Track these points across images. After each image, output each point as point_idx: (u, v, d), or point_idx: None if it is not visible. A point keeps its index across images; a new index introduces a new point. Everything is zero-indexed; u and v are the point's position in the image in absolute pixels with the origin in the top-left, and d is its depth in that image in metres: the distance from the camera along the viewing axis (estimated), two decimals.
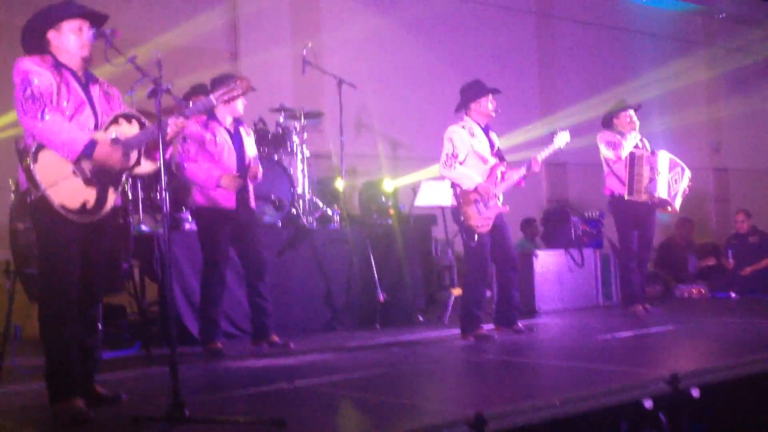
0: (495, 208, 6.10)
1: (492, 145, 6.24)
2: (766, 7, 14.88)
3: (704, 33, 14.92)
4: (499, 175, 6.15)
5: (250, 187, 5.93)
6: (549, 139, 11.84)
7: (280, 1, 10.08)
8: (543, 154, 6.32)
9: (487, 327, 6.21)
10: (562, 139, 6.42)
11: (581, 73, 12.85)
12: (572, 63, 12.83)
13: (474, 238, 6.00)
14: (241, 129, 5.98)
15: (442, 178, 6.47)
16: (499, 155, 6.26)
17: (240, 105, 5.86)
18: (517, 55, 12.14)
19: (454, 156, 6.05)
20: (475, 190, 6.02)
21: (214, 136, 5.76)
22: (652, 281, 9.26)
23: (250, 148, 5.99)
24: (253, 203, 5.98)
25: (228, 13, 9.69)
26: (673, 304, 8.70)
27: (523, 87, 12.17)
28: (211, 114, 5.76)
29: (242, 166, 5.84)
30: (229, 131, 5.86)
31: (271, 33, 9.89)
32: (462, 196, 6.05)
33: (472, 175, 6.05)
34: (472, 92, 6.20)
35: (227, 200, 5.75)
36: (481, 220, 6.02)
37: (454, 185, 6.14)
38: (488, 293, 6.86)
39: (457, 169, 6.05)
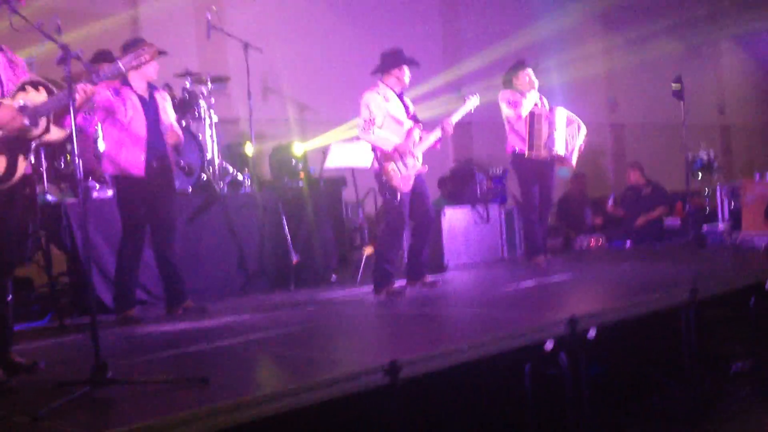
0: (414, 168, 6.34)
1: (407, 109, 6.46)
2: None
3: None
4: (416, 137, 6.38)
5: (168, 154, 5.92)
6: (453, 91, 12.19)
7: None
8: (455, 117, 6.61)
9: (399, 283, 6.44)
10: (473, 103, 6.74)
11: (483, 33, 13.08)
12: (474, 22, 13.03)
13: (397, 197, 6.21)
14: (157, 95, 5.95)
15: (356, 140, 6.66)
16: (414, 118, 6.49)
17: (152, 70, 5.82)
18: (420, 13, 12.27)
19: (372, 121, 6.25)
20: (394, 150, 6.23)
21: (124, 103, 5.72)
22: (553, 234, 9.67)
23: (166, 114, 5.98)
24: (171, 169, 5.98)
25: None
26: (573, 254, 9.14)
27: (427, 46, 12.33)
28: (123, 80, 5.73)
29: (155, 133, 5.82)
30: (142, 98, 5.83)
31: None
32: (383, 158, 6.25)
33: (389, 138, 6.27)
34: (390, 60, 6.43)
35: (136, 168, 5.73)
36: (402, 179, 6.24)
37: (374, 149, 6.34)
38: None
39: (376, 133, 6.26)
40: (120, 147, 5.72)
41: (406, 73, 6.45)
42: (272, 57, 10.05)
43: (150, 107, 5.84)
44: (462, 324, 5.01)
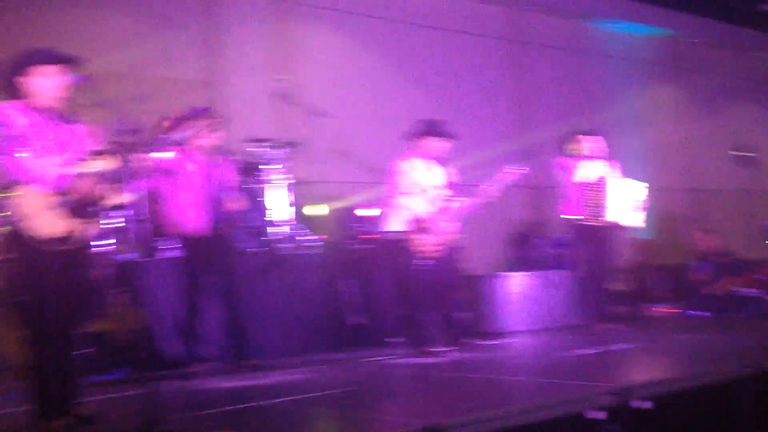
0: (441, 236, 6.48)
1: (440, 177, 6.64)
2: (731, 30, 15.31)
3: (672, 56, 15.31)
4: (444, 206, 6.56)
5: (229, 216, 6.20)
6: (523, 159, 12.24)
7: (257, 32, 10.35)
8: (491, 185, 6.69)
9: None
10: (519, 173, 6.89)
11: (554, 98, 13.17)
12: (544, 88, 13.14)
13: (418, 263, 6.44)
14: (221, 160, 6.25)
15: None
16: (447, 186, 6.66)
17: (216, 136, 6.12)
18: (491, 81, 12.45)
19: (399, 187, 6.51)
20: (416, 220, 6.42)
21: (185, 165, 6.02)
22: (621, 301, 9.54)
23: (227, 179, 6.24)
24: (227, 231, 6.22)
25: (207, 45, 9.96)
26: (640, 322, 8.95)
27: (497, 113, 12.49)
28: (188, 143, 6.06)
29: (217, 195, 6.10)
30: (207, 162, 6.13)
31: (248, 64, 10.16)
32: (410, 223, 6.47)
33: (412, 206, 6.45)
34: (421, 130, 6.62)
35: (197, 228, 6.02)
36: (426, 246, 6.42)
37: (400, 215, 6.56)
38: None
39: (400, 201, 6.49)
40: (182, 208, 6.02)
41: (438, 144, 6.60)
42: (342, 121, 10.35)
43: (213, 171, 6.12)
44: (506, 390, 4.99)
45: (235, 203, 6.21)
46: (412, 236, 6.46)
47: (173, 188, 6.07)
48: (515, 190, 12.16)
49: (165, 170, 6.03)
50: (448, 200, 6.60)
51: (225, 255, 6.19)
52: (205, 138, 6.04)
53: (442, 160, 6.77)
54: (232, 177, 6.33)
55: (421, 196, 6.53)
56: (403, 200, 6.48)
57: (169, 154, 5.97)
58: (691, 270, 10.32)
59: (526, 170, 6.91)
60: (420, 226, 6.46)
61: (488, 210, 6.85)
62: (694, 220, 14.88)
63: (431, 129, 6.62)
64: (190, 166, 6.06)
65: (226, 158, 6.40)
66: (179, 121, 6.19)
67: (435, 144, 6.60)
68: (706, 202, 15.32)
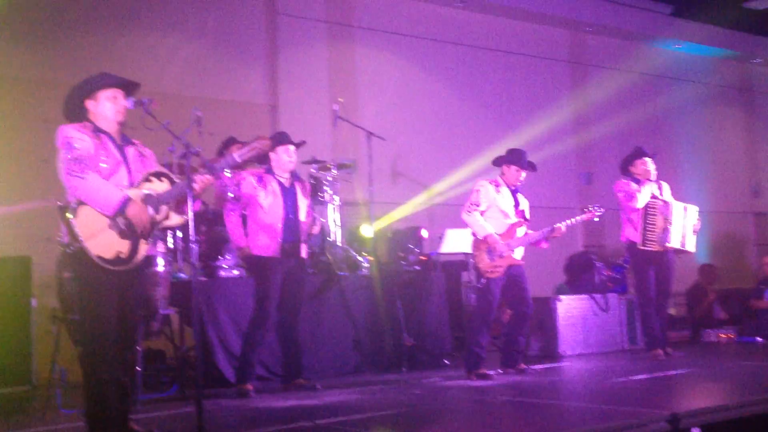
0: (508, 259, 6.58)
1: (517, 205, 6.74)
2: None
3: (740, 78, 15.05)
4: (518, 233, 6.65)
5: (303, 238, 6.35)
6: (584, 182, 12.14)
7: (318, 56, 10.55)
8: (568, 223, 6.79)
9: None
10: (594, 215, 6.99)
11: (616, 120, 13.06)
12: (607, 110, 13.04)
13: (480, 281, 6.58)
14: (297, 184, 6.41)
15: (464, 224, 6.89)
16: (522, 216, 6.75)
17: (287, 160, 6.29)
18: (552, 103, 12.41)
19: (476, 204, 6.64)
20: (484, 239, 6.53)
21: (265, 189, 6.21)
22: (681, 326, 9.37)
23: (303, 203, 6.40)
24: (304, 253, 6.37)
25: (267, 68, 10.19)
26: (698, 348, 8.79)
27: (559, 135, 12.42)
28: (268, 168, 6.29)
29: (292, 218, 6.26)
30: (282, 185, 6.29)
31: (309, 87, 10.36)
32: (476, 242, 6.64)
33: (486, 226, 6.58)
34: (510, 157, 6.79)
35: (272, 249, 6.17)
36: (491, 266, 6.55)
37: (472, 231, 6.69)
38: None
39: (475, 217, 6.59)
40: (259, 229, 6.20)
41: (522, 174, 6.75)
42: (401, 142, 10.47)
43: (289, 194, 6.29)
44: (556, 415, 4.96)
45: (314, 226, 6.36)
46: (479, 255, 6.57)
47: (252, 209, 6.23)
48: (573, 212, 12.10)
49: (246, 194, 6.22)
50: (520, 228, 6.70)
51: (295, 276, 6.30)
52: (283, 162, 6.24)
53: (519, 188, 6.90)
54: (308, 200, 6.47)
55: (497, 218, 6.65)
56: (479, 218, 6.59)
57: (250, 176, 6.20)
58: (754, 295, 10.08)
59: (602, 212, 6.92)
60: (490, 246, 6.54)
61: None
62: (760, 244, 14.55)
63: (516, 158, 6.76)
64: (267, 188, 6.22)
65: (303, 182, 6.55)
66: (235, 142, 6.36)
67: (516, 173, 6.75)
68: None
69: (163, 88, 8.76)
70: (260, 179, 6.25)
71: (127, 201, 4.18)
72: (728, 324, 9.83)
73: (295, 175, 6.44)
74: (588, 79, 12.99)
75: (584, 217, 6.95)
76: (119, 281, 4.24)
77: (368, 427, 4.68)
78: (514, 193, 6.79)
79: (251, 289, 6.44)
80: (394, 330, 7.51)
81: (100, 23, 9.00)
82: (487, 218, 6.64)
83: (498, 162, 6.86)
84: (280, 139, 6.34)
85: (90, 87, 4.36)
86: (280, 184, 6.29)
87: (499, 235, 6.60)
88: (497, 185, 6.73)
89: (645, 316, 7.56)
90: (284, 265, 6.21)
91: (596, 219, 6.97)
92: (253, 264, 6.34)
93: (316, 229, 6.43)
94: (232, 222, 6.31)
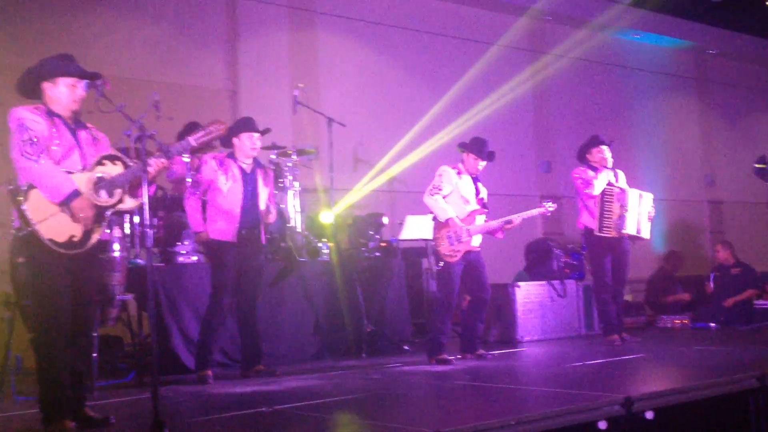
0: (466, 244, 6.64)
1: (477, 193, 6.81)
2: (755, 43, 15.22)
3: (696, 69, 15.27)
4: (478, 221, 6.71)
5: (261, 225, 6.32)
6: (543, 170, 12.26)
7: (279, 41, 10.48)
8: (523, 215, 6.87)
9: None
10: (548, 209, 7.04)
11: (575, 109, 13.19)
12: (566, 99, 13.17)
13: (439, 264, 6.68)
14: (259, 171, 6.36)
15: (424, 210, 6.93)
16: (482, 203, 6.80)
17: (249, 145, 6.24)
18: (511, 91, 12.47)
19: (438, 188, 6.70)
20: (446, 222, 6.60)
21: (225, 173, 6.17)
22: (636, 312, 9.53)
23: (264, 191, 6.35)
24: (263, 239, 6.34)
25: (228, 53, 10.09)
26: (653, 334, 8.94)
27: (518, 123, 12.52)
28: (230, 153, 6.27)
29: (251, 204, 6.22)
30: (244, 171, 6.25)
31: (270, 72, 10.28)
32: (437, 225, 6.71)
33: (447, 209, 6.65)
34: (469, 146, 6.85)
35: (229, 234, 6.13)
36: (450, 249, 6.62)
37: (433, 214, 6.76)
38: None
39: (438, 200, 6.64)
40: (217, 214, 6.16)
41: (481, 163, 6.83)
42: (363, 129, 10.45)
43: (249, 180, 6.25)
44: (514, 399, 5.03)
45: (267, 217, 6.32)
46: (440, 239, 6.63)
47: (211, 193, 6.19)
48: (532, 200, 12.21)
49: (205, 178, 6.18)
50: (480, 215, 6.76)
51: (252, 262, 6.27)
52: (244, 148, 6.20)
53: (478, 176, 6.97)
54: (266, 189, 6.43)
55: (457, 203, 6.71)
56: (441, 201, 6.65)
57: (211, 160, 6.16)
58: (707, 281, 10.28)
59: (555, 207, 7.03)
60: (450, 229, 6.59)
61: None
62: (715, 231, 14.82)
63: (475, 147, 6.82)
64: (229, 172, 6.18)
65: (265, 169, 6.50)
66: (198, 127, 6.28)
67: (474, 161, 6.83)
68: (726, 214, 15.25)
69: (122, 72, 8.64)
70: (221, 163, 6.22)
71: (74, 194, 4.15)
72: (683, 310, 9.98)
73: (257, 162, 6.41)
74: (547, 68, 13.07)
75: (537, 211, 7.02)
76: (72, 265, 4.20)
77: (327, 412, 4.69)
78: (474, 180, 6.87)
79: (210, 275, 6.40)
80: (355, 316, 7.53)
81: (55, 4, 8.84)
82: (448, 203, 6.71)
83: (462, 147, 6.92)
84: (245, 125, 6.31)
85: (52, 70, 4.30)
86: (241, 169, 6.26)
87: (461, 219, 6.67)
88: (459, 172, 6.80)
89: (601, 302, 7.67)
90: (241, 250, 6.18)
91: (548, 214, 7.07)
92: (209, 248, 6.31)
93: (271, 218, 6.37)
94: (191, 206, 6.27)
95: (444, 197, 6.69)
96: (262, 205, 6.30)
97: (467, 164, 6.84)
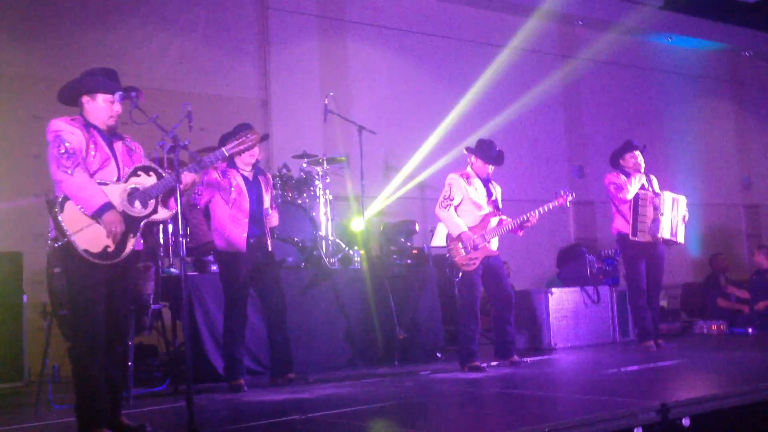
0: (484, 250, 6.62)
1: (489, 195, 6.76)
2: None
3: (731, 71, 15.09)
4: (492, 224, 6.67)
5: (268, 231, 6.31)
6: (576, 175, 12.17)
7: (310, 51, 10.55)
8: (540, 211, 6.76)
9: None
10: (566, 201, 6.86)
11: (608, 114, 13.10)
12: (598, 103, 13.09)
13: (458, 275, 6.64)
14: (260, 177, 6.37)
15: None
16: (495, 205, 6.77)
17: (253, 152, 6.22)
18: (543, 96, 12.42)
19: (450, 198, 6.69)
20: (458, 237, 6.60)
21: (230, 183, 6.17)
22: (672, 317, 9.42)
23: (267, 195, 6.37)
24: (270, 246, 6.34)
25: (259, 63, 10.18)
26: (690, 339, 8.83)
27: (550, 128, 12.47)
28: (230, 162, 6.20)
29: (257, 211, 6.23)
30: (246, 178, 6.26)
31: (301, 81, 10.35)
32: (449, 236, 6.72)
33: (459, 223, 6.63)
34: (477, 151, 6.80)
35: (238, 244, 6.14)
36: (467, 259, 6.59)
37: (446, 226, 6.76)
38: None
39: (449, 213, 6.66)
40: (225, 224, 6.15)
41: (489, 167, 6.79)
42: (393, 137, 10.47)
43: (253, 188, 6.26)
44: (547, 407, 4.99)
45: (274, 218, 6.31)
46: (456, 249, 6.60)
47: (216, 203, 6.20)
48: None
49: (210, 184, 6.19)
50: (494, 218, 6.71)
51: (268, 269, 6.29)
52: (247, 154, 6.18)
53: (492, 177, 6.93)
54: (270, 192, 6.45)
55: (470, 210, 6.68)
56: (453, 215, 6.63)
57: (213, 171, 6.16)
58: (745, 287, 10.12)
59: (573, 196, 6.91)
60: (465, 239, 6.57)
61: (538, 226, 6.91)
62: (751, 235, 14.61)
63: (482, 152, 6.78)
64: (233, 182, 6.20)
65: (265, 174, 6.53)
66: (224, 139, 6.32)
67: (483, 165, 6.78)
68: (763, 218, 15.03)
69: (154, 83, 8.75)
70: (224, 174, 6.21)
71: (106, 206, 4.20)
72: (720, 316, 9.81)
73: (257, 168, 6.40)
74: (579, 73, 13.00)
75: (556, 203, 6.85)
76: (108, 275, 4.25)
77: (360, 420, 4.68)
78: (485, 183, 6.80)
79: (222, 287, 6.36)
80: (386, 324, 7.53)
81: (90, 18, 8.98)
82: (461, 211, 6.68)
83: (468, 151, 6.86)
84: (242, 132, 6.24)
85: (92, 86, 4.37)
86: (244, 177, 6.26)
87: (474, 227, 6.64)
88: (468, 177, 6.74)
89: (636, 308, 7.59)
90: (251, 259, 6.19)
91: (567, 204, 6.88)
92: (219, 260, 6.30)
93: (274, 221, 6.33)
94: (196, 218, 6.30)
95: (456, 207, 6.67)
96: (266, 211, 6.29)
97: (476, 168, 6.79)
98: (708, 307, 10.16)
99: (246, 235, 6.15)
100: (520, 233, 6.89)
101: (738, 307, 9.93)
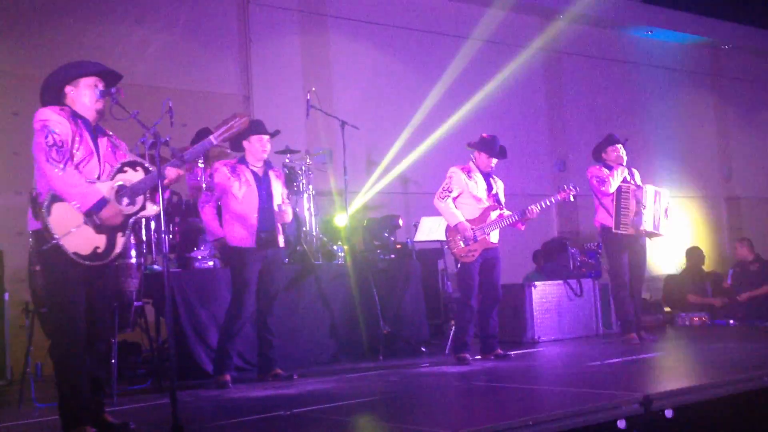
0: (483, 243, 6.68)
1: (490, 189, 6.83)
2: None
3: (711, 64, 15.18)
4: (492, 217, 6.74)
5: (279, 227, 6.31)
6: (558, 169, 12.21)
7: (291, 45, 10.51)
8: (542, 205, 6.87)
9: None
10: (568, 195, 6.97)
11: (589, 107, 13.16)
12: (580, 97, 13.14)
13: (456, 265, 6.74)
14: (271, 173, 6.36)
15: (438, 211, 6.94)
16: (496, 199, 6.83)
17: (259, 147, 6.23)
18: (525, 90, 12.46)
19: (448, 190, 6.76)
20: (455, 227, 6.65)
21: (239, 179, 6.16)
22: (654, 310, 9.48)
23: (278, 192, 6.36)
24: (281, 242, 6.34)
25: (241, 58, 10.14)
26: (672, 331, 8.90)
27: (532, 121, 12.50)
28: (241, 158, 6.24)
29: (267, 207, 6.22)
30: (256, 174, 6.25)
31: (283, 76, 10.32)
32: (449, 227, 6.80)
33: (456, 213, 6.71)
34: (481, 145, 6.88)
35: (248, 239, 6.13)
36: (466, 251, 6.67)
37: (445, 218, 6.83)
38: None
39: (447, 203, 6.72)
40: (234, 220, 6.15)
41: (493, 161, 6.88)
42: (376, 132, 10.46)
43: (263, 183, 6.25)
44: (532, 399, 5.02)
45: (281, 218, 6.29)
46: (455, 241, 6.67)
47: (226, 199, 6.18)
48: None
49: (219, 185, 6.17)
50: (494, 211, 6.78)
51: (271, 265, 6.28)
52: (256, 150, 6.20)
53: (492, 172, 6.99)
54: (280, 191, 6.43)
55: (469, 203, 6.75)
56: (451, 205, 6.71)
57: (222, 167, 6.15)
58: (726, 278, 10.21)
59: (577, 191, 6.97)
60: (461, 233, 6.63)
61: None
62: (731, 228, 14.72)
63: (487, 146, 6.85)
64: (242, 177, 6.19)
65: (277, 170, 6.51)
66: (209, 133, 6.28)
67: (487, 159, 6.86)
68: (743, 210, 15.14)
69: (135, 79, 8.68)
70: (233, 169, 6.20)
71: (103, 201, 4.16)
72: (701, 307, 9.87)
73: (268, 164, 6.40)
74: (561, 66, 13.05)
75: (559, 197, 6.95)
76: (87, 272, 4.20)
77: (346, 415, 4.69)
78: (486, 177, 6.88)
79: (227, 280, 6.42)
80: (371, 318, 7.53)
81: (71, 14, 8.91)
82: (460, 204, 6.76)
83: (472, 146, 6.94)
84: (255, 128, 6.27)
85: (72, 73, 4.30)
86: (254, 173, 6.25)
87: (473, 220, 6.72)
88: (469, 171, 6.83)
89: (619, 300, 7.63)
90: (261, 255, 6.18)
91: (572, 199, 6.96)
92: (230, 255, 6.26)
93: (287, 217, 6.31)
94: (207, 213, 6.26)
95: (455, 199, 6.74)
96: (277, 207, 6.29)
97: (479, 162, 6.87)
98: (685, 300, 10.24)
99: (256, 230, 6.14)
100: (522, 227, 6.95)
101: (709, 302, 9.99)
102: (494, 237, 6.77)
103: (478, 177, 6.84)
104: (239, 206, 6.14)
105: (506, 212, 6.85)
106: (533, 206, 6.78)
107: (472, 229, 6.67)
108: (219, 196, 6.24)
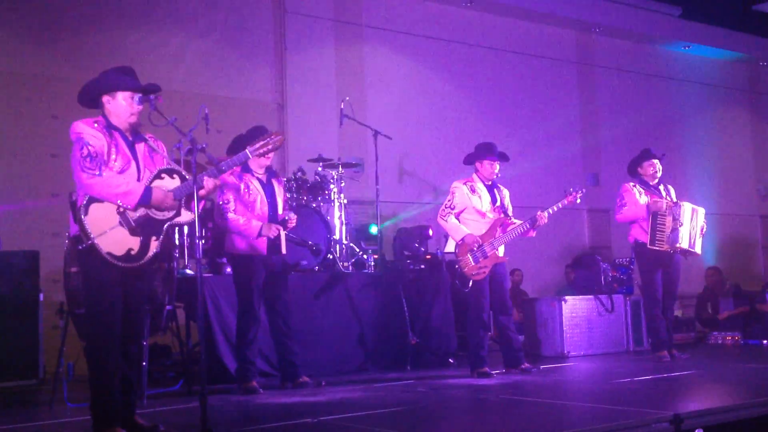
0: (493, 258, 6.61)
1: (494, 201, 6.74)
2: None
3: (748, 80, 15.03)
4: (500, 230, 6.64)
5: (282, 234, 6.33)
6: (591, 183, 12.15)
7: (326, 55, 10.59)
8: (550, 210, 6.75)
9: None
10: (576, 196, 6.86)
11: (624, 122, 13.06)
12: (614, 111, 13.06)
13: (467, 285, 6.59)
14: (274, 180, 6.39)
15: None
16: (503, 210, 6.75)
17: (270, 155, 6.24)
18: (559, 104, 12.43)
19: (451, 207, 6.70)
20: (462, 241, 6.58)
21: (248, 187, 6.19)
22: (686, 327, 9.37)
23: (280, 198, 6.39)
24: (284, 249, 6.36)
25: (276, 66, 10.23)
26: (704, 350, 8.78)
27: (566, 135, 12.44)
28: (244, 166, 6.19)
29: (272, 216, 6.25)
30: (261, 181, 6.28)
31: (317, 85, 10.39)
32: (458, 246, 6.65)
33: (461, 227, 6.63)
34: (480, 153, 6.80)
35: (260, 246, 6.15)
36: (476, 268, 6.58)
37: (450, 236, 6.77)
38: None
39: (449, 221, 6.66)
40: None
41: (496, 166, 6.75)
42: (409, 142, 10.49)
43: (268, 190, 6.29)
44: (558, 415, 4.97)
45: (292, 221, 6.30)
46: (465, 260, 6.59)
47: (237, 207, 6.20)
48: (579, 213, 12.11)
49: (228, 188, 6.19)
50: (502, 222, 6.70)
51: (279, 272, 6.30)
52: (263, 157, 6.17)
53: (500, 181, 6.90)
54: (284, 195, 6.47)
55: (474, 219, 6.68)
56: (453, 222, 6.65)
57: (229, 176, 6.16)
58: (760, 298, 10.06)
59: (584, 192, 6.88)
60: (469, 246, 6.57)
61: (552, 233, 6.90)
62: (767, 246, 14.53)
63: (487, 151, 6.77)
64: (250, 186, 6.22)
65: (278, 176, 6.55)
66: (237, 141, 6.33)
67: (490, 166, 6.75)
68: None
69: (172, 86, 8.80)
70: (240, 178, 6.21)
71: (149, 191, 4.23)
72: (734, 326, 9.73)
73: (270, 171, 6.42)
74: (595, 80, 12.99)
75: (566, 201, 6.83)
76: (124, 276, 4.27)
77: (371, 424, 4.69)
78: (491, 188, 6.80)
79: (238, 290, 6.34)
80: (399, 328, 7.54)
81: (109, 19, 9.06)
82: (465, 220, 6.69)
83: (470, 160, 6.84)
84: (257, 135, 6.23)
85: (112, 84, 4.37)
86: (259, 180, 6.28)
87: (481, 235, 6.62)
88: (472, 184, 6.74)
89: (651, 317, 7.56)
90: (268, 262, 6.21)
91: (578, 201, 6.88)
92: (238, 263, 6.26)
93: (291, 224, 6.30)
94: (234, 219, 6.17)
95: (458, 215, 6.67)
96: (281, 213, 6.31)
97: (482, 172, 6.78)
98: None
99: (267, 239, 6.16)
100: (533, 233, 6.83)
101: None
102: (502, 251, 6.71)
103: (482, 190, 6.75)
104: (251, 213, 6.15)
105: (516, 221, 6.75)
106: (542, 212, 6.68)
107: (480, 244, 6.57)
108: (229, 200, 6.16)
